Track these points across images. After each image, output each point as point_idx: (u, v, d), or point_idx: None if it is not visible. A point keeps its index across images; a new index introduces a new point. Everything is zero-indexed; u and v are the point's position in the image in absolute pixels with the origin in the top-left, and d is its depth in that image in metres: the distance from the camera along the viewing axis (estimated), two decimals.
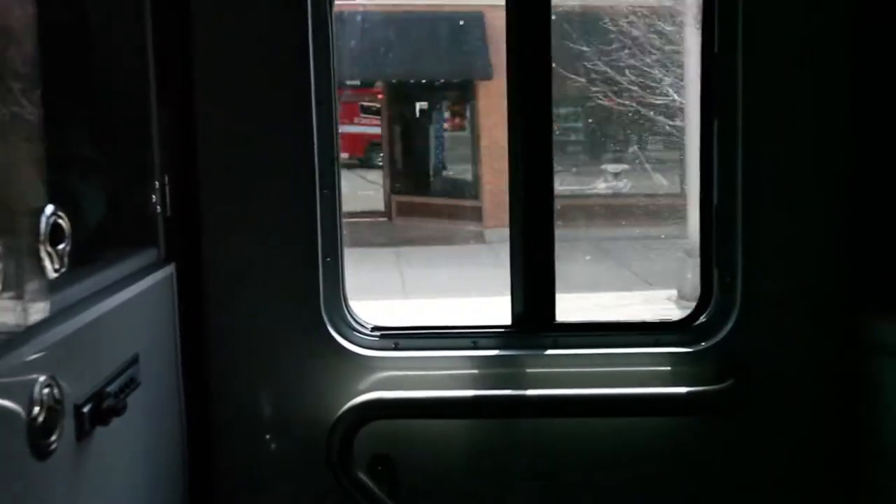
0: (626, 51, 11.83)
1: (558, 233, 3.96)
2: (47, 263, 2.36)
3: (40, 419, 2.34)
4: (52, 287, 2.43)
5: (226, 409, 3.83)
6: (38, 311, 2.36)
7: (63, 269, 2.44)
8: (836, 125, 3.78)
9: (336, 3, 3.84)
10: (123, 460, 3.08)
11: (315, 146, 3.78)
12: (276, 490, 3.88)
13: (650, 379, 3.89)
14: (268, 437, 3.86)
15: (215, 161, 3.73)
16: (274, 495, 3.89)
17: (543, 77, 3.91)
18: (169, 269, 3.52)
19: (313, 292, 3.81)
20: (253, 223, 3.78)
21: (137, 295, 3.18)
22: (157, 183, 3.41)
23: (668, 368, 3.91)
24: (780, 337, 3.87)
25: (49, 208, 2.36)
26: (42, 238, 2.33)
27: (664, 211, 12.11)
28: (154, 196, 3.40)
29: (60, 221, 2.40)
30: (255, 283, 3.79)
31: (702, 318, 3.99)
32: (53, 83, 2.58)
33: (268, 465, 3.87)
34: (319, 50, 3.77)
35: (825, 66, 3.78)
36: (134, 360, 3.08)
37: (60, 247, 2.41)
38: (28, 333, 2.33)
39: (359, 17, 14.30)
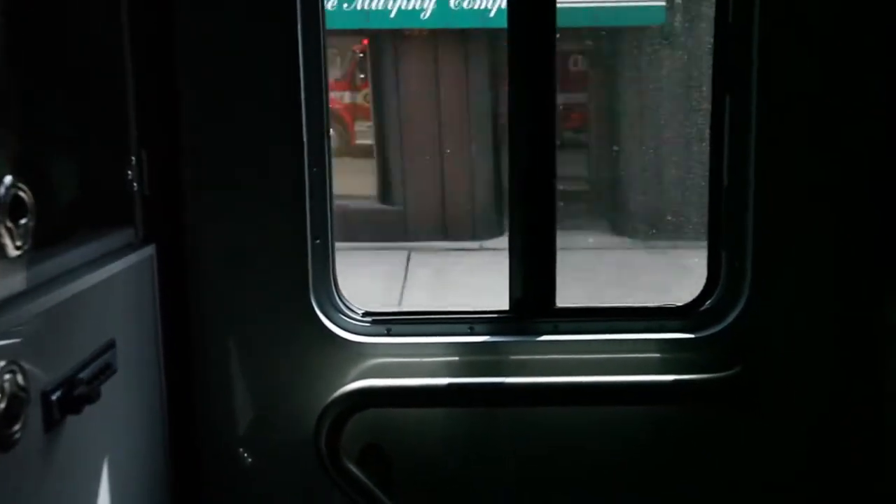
0: None
1: None
2: (7, 240, 2.20)
3: (0, 407, 2.19)
4: (13, 267, 2.26)
5: (209, 398, 3.68)
6: None
7: (26, 248, 2.27)
8: (858, 103, 3.57)
9: None
10: (100, 451, 2.92)
11: (304, 120, 3.59)
12: (264, 482, 3.73)
13: (653, 366, 3.74)
14: (254, 426, 3.71)
15: (197, 137, 3.54)
16: (261, 487, 3.74)
17: (547, 56, 3.73)
18: (148, 251, 3.34)
19: (301, 275, 3.65)
20: (238, 202, 3.60)
21: (112, 277, 3.00)
22: (133, 159, 3.23)
23: (673, 355, 3.75)
24: (792, 324, 3.71)
25: (7, 179, 2.19)
26: None
27: None
28: (130, 173, 3.22)
29: (21, 194, 2.23)
30: (239, 265, 3.62)
31: (707, 304, 3.83)
32: (18, 48, 2.41)
33: (254, 455, 3.72)
34: (308, 11, 3.57)
35: (848, 39, 3.55)
36: (110, 346, 2.92)
37: (22, 222, 2.24)
38: None
39: None
